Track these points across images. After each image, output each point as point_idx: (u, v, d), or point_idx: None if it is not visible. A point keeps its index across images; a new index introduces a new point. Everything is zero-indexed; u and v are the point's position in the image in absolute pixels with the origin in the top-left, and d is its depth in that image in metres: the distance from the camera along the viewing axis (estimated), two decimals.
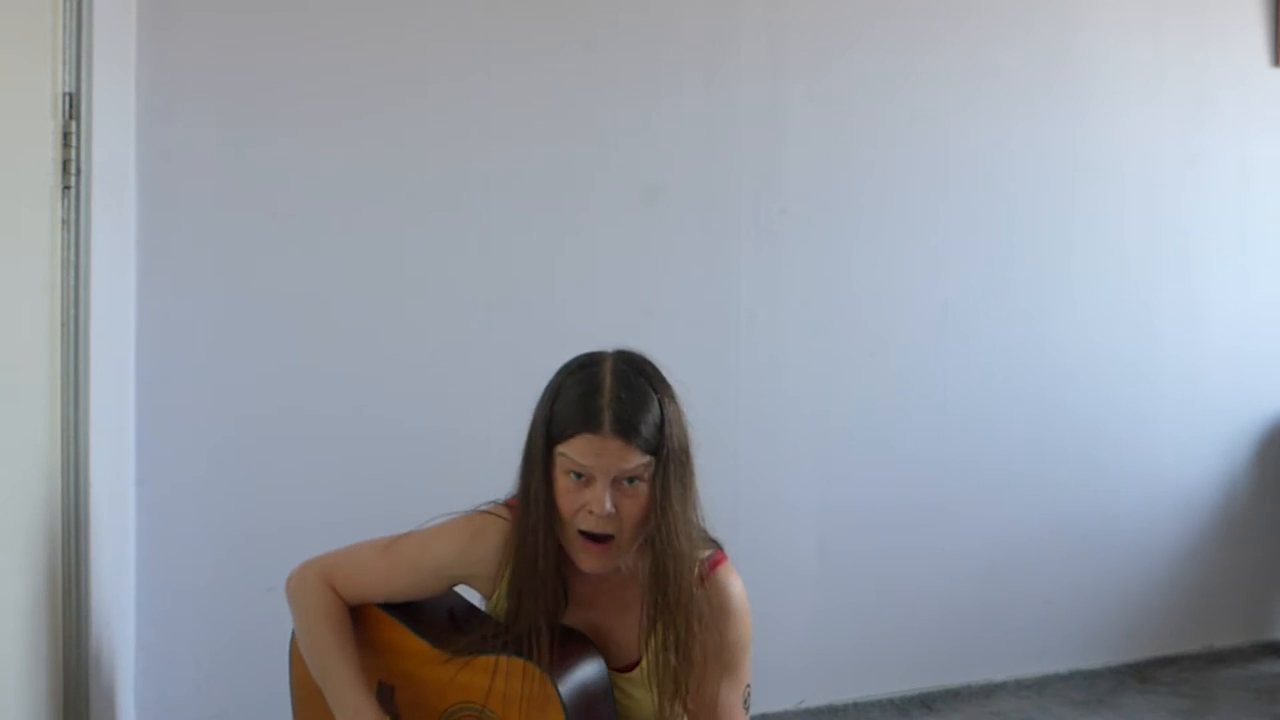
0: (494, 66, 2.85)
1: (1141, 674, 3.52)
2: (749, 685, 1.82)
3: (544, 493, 1.70)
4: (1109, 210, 3.50)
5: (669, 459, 1.67)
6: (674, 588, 1.71)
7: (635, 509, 1.68)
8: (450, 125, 2.83)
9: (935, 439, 3.31)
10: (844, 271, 3.21)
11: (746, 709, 1.81)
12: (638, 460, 1.65)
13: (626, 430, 1.64)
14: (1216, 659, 3.64)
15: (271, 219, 2.69)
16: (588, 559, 1.71)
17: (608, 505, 1.65)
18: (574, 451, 1.66)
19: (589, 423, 1.64)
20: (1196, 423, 3.62)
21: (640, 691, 1.79)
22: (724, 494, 2.99)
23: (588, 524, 1.68)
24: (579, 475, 1.67)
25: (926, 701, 3.29)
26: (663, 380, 1.73)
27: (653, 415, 1.67)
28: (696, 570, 1.76)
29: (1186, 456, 3.61)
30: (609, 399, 1.65)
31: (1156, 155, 3.55)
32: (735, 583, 1.79)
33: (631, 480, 1.67)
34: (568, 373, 1.73)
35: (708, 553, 1.80)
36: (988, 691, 3.37)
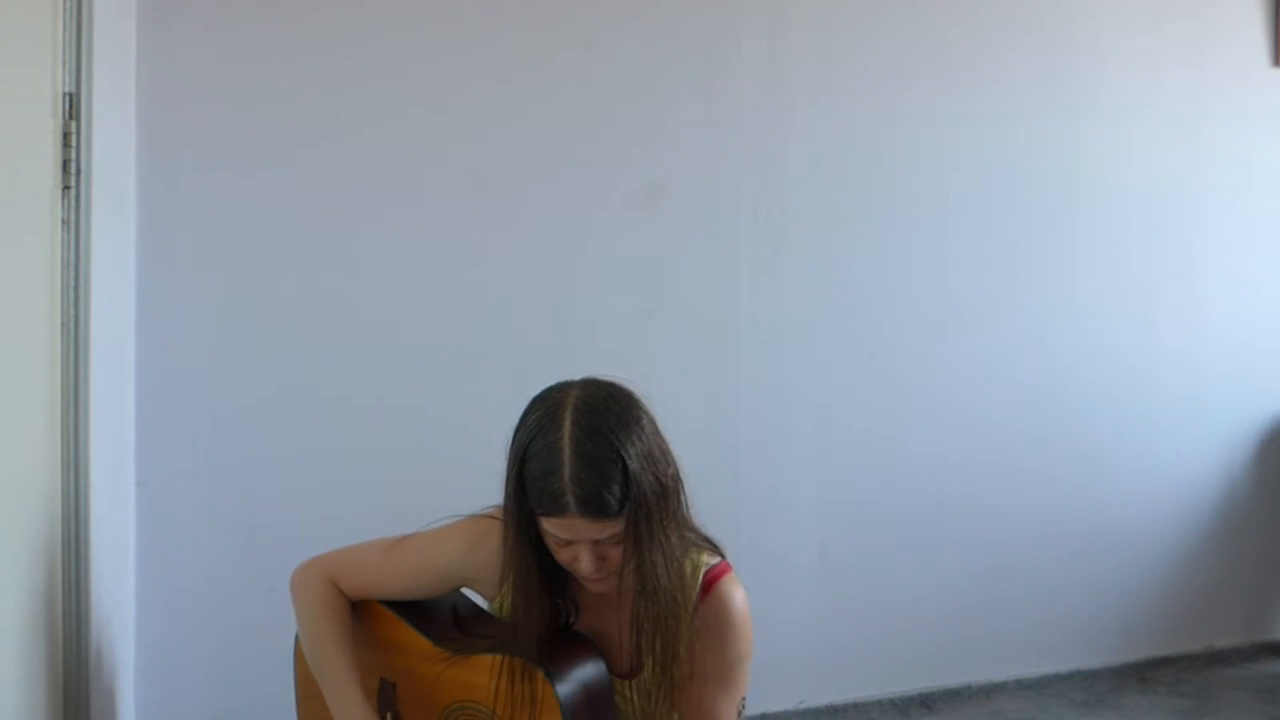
0: (493, 67, 2.85)
1: (1141, 674, 3.52)
2: (744, 697, 1.81)
3: (523, 543, 1.70)
4: (1110, 209, 3.50)
5: (638, 513, 1.65)
6: (656, 621, 1.70)
7: (621, 555, 1.69)
8: (450, 123, 2.82)
9: (935, 438, 3.31)
10: (844, 271, 3.21)
11: (740, 718, 1.80)
12: (610, 529, 1.65)
13: (591, 510, 1.62)
14: (1216, 659, 3.64)
15: (271, 219, 2.69)
16: (593, 586, 1.73)
17: (594, 566, 1.67)
18: (549, 526, 1.66)
19: (555, 507, 1.62)
20: (1197, 422, 3.62)
21: (638, 698, 1.79)
22: (724, 494, 3.03)
23: (583, 576, 1.70)
24: (562, 541, 1.67)
25: (926, 701, 3.29)
26: (625, 423, 1.67)
27: (616, 483, 1.62)
28: (699, 580, 1.76)
29: (1187, 456, 3.61)
30: (569, 480, 1.61)
31: (1157, 155, 3.55)
32: (737, 596, 1.78)
33: (611, 539, 1.67)
34: (530, 433, 1.67)
35: (711, 562, 1.79)
36: (988, 691, 3.37)
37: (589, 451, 1.62)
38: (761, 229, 3.11)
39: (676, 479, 1.72)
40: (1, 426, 1.80)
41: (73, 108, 2.06)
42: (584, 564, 1.66)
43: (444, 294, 2.83)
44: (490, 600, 1.87)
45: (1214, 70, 3.60)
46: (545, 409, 1.68)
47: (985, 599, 3.37)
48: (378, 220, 2.78)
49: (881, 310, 3.25)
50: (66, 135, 2.04)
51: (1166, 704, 3.34)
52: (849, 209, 3.21)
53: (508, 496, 1.70)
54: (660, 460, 1.69)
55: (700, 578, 1.77)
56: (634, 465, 1.64)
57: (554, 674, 1.72)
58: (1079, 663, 3.49)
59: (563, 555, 1.69)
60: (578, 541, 1.66)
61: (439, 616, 1.87)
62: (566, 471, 1.62)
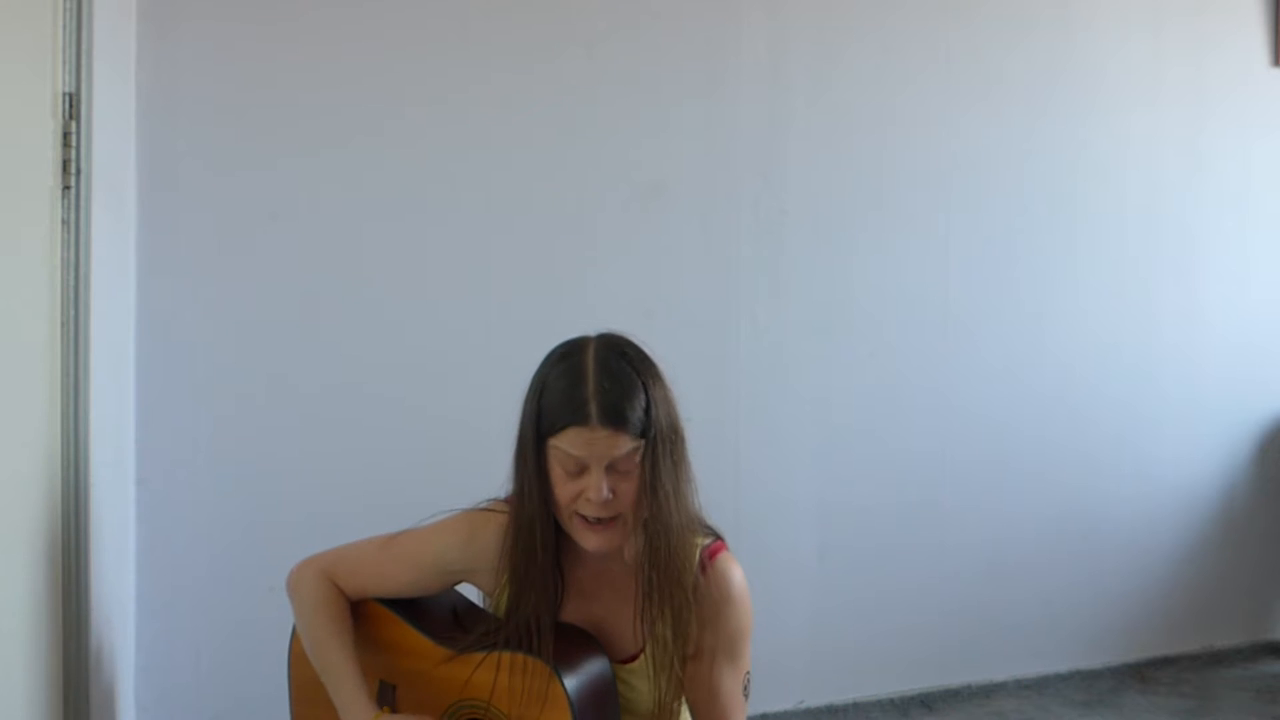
0: (494, 67, 2.86)
1: (1141, 674, 3.52)
2: (749, 673, 1.82)
3: (537, 484, 1.72)
4: (1110, 210, 3.50)
5: (657, 439, 1.68)
6: (669, 564, 1.72)
7: (632, 489, 1.69)
8: (451, 124, 2.83)
9: (935, 438, 3.31)
10: (844, 271, 3.21)
11: (746, 696, 1.81)
12: (628, 446, 1.67)
13: (614, 419, 1.65)
14: (1216, 659, 3.64)
15: (271, 219, 2.70)
16: (591, 539, 1.71)
17: (605, 492, 1.67)
18: (565, 444, 1.67)
19: (577, 415, 1.65)
20: (1197, 422, 3.62)
21: (642, 682, 1.79)
22: (725, 493, 3.03)
23: (588, 510, 1.69)
24: (573, 466, 1.68)
25: (926, 701, 3.30)
26: (646, 362, 1.73)
27: (639, 400, 1.67)
28: (696, 558, 1.77)
29: (1186, 456, 3.61)
30: (594, 389, 1.66)
31: (1157, 155, 3.55)
32: (735, 570, 1.80)
33: (625, 465, 1.68)
34: (551, 364, 1.73)
35: (707, 541, 1.80)
36: (988, 691, 3.37)
37: (613, 369, 1.68)
38: (761, 229, 3.11)
39: (685, 436, 1.75)
40: (2, 426, 1.80)
41: (73, 108, 2.06)
42: (594, 490, 1.66)
43: (444, 293, 2.83)
44: (490, 594, 1.87)
45: (1214, 70, 3.60)
46: (566, 347, 1.75)
47: (985, 599, 3.37)
48: (378, 220, 2.78)
49: (881, 310, 3.25)
50: (66, 135, 2.04)
51: (1166, 704, 3.34)
52: (849, 209, 3.21)
53: (522, 437, 1.72)
54: (674, 408, 1.74)
55: (697, 555, 1.78)
56: (655, 392, 1.69)
57: (560, 669, 1.72)
58: (1079, 663, 3.49)
59: (570, 490, 1.69)
60: (591, 466, 1.66)
61: (439, 616, 1.87)
62: (591, 382, 1.66)
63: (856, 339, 3.23)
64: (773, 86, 3.11)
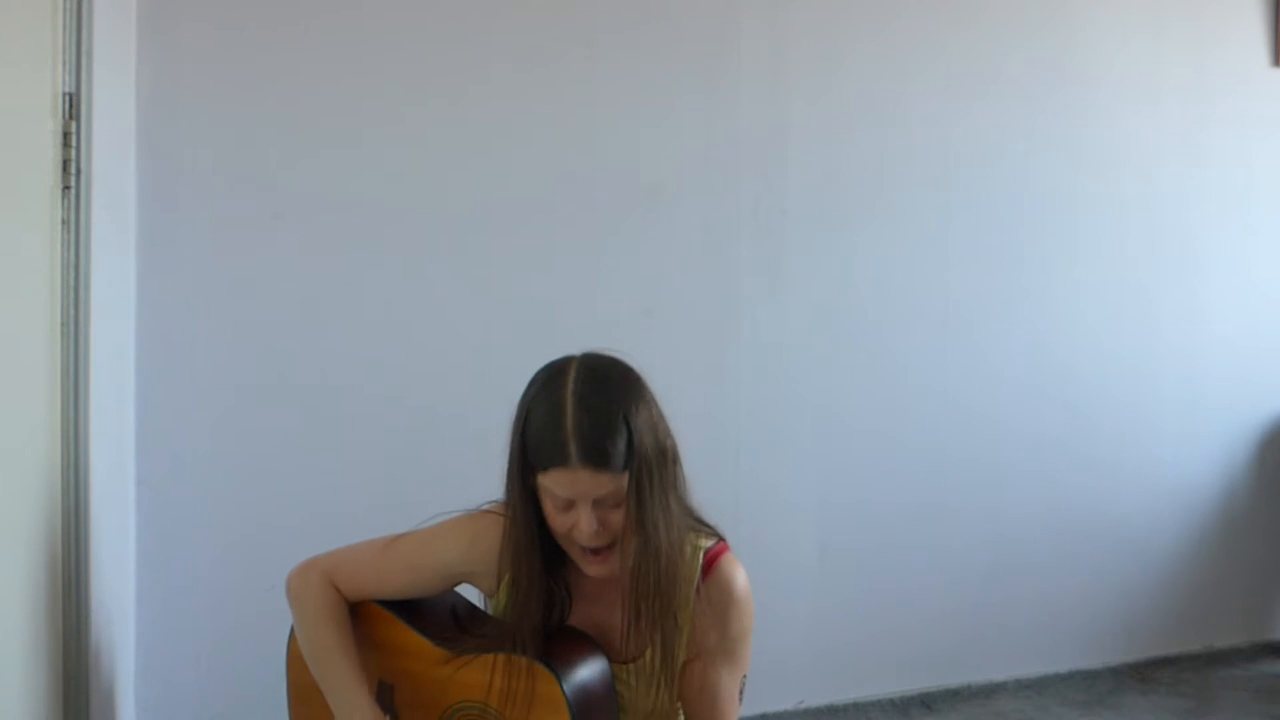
0: (494, 67, 2.86)
1: (1141, 674, 3.52)
2: (745, 675, 1.82)
3: (525, 513, 1.72)
4: (1110, 210, 3.50)
5: (641, 470, 1.66)
6: (659, 587, 1.71)
7: (621, 520, 1.69)
8: (451, 124, 2.82)
9: (936, 438, 3.31)
10: (844, 271, 3.21)
11: (741, 698, 1.82)
12: (611, 484, 1.66)
13: (594, 459, 1.63)
14: (1216, 659, 3.64)
15: (272, 219, 2.70)
16: (591, 567, 1.73)
17: (594, 527, 1.67)
18: (549, 482, 1.67)
19: (558, 456, 1.64)
20: (1197, 422, 3.62)
21: (641, 683, 1.80)
22: (724, 493, 3.03)
23: (582, 541, 1.70)
24: (562, 502, 1.68)
25: (926, 701, 3.29)
26: (627, 386, 1.71)
27: (619, 436, 1.64)
28: (698, 563, 1.77)
29: (1187, 455, 3.61)
30: (572, 430, 1.63)
31: (1157, 155, 3.55)
32: (739, 573, 1.80)
33: (612, 499, 1.67)
34: (533, 395, 1.71)
35: (709, 543, 1.80)
36: (988, 691, 3.37)
37: (592, 404, 1.66)
38: (761, 229, 3.11)
39: (676, 452, 1.74)
40: (2, 426, 1.80)
41: (73, 108, 2.06)
42: (584, 524, 1.66)
43: (444, 294, 2.83)
44: (489, 596, 1.87)
45: (1214, 70, 3.60)
46: (548, 374, 1.72)
47: (985, 599, 3.37)
48: (378, 221, 2.78)
49: (881, 310, 3.25)
50: (66, 135, 2.04)
51: (1166, 704, 3.34)
52: (849, 209, 3.21)
53: (510, 464, 1.72)
54: (661, 428, 1.72)
55: (700, 558, 1.78)
56: (637, 423, 1.66)
57: (559, 670, 1.72)
58: (1079, 663, 3.49)
59: (562, 523, 1.69)
60: (579, 502, 1.66)
61: (438, 617, 1.87)
62: (569, 421, 1.64)
63: (856, 338, 3.23)
64: (773, 86, 3.11)
